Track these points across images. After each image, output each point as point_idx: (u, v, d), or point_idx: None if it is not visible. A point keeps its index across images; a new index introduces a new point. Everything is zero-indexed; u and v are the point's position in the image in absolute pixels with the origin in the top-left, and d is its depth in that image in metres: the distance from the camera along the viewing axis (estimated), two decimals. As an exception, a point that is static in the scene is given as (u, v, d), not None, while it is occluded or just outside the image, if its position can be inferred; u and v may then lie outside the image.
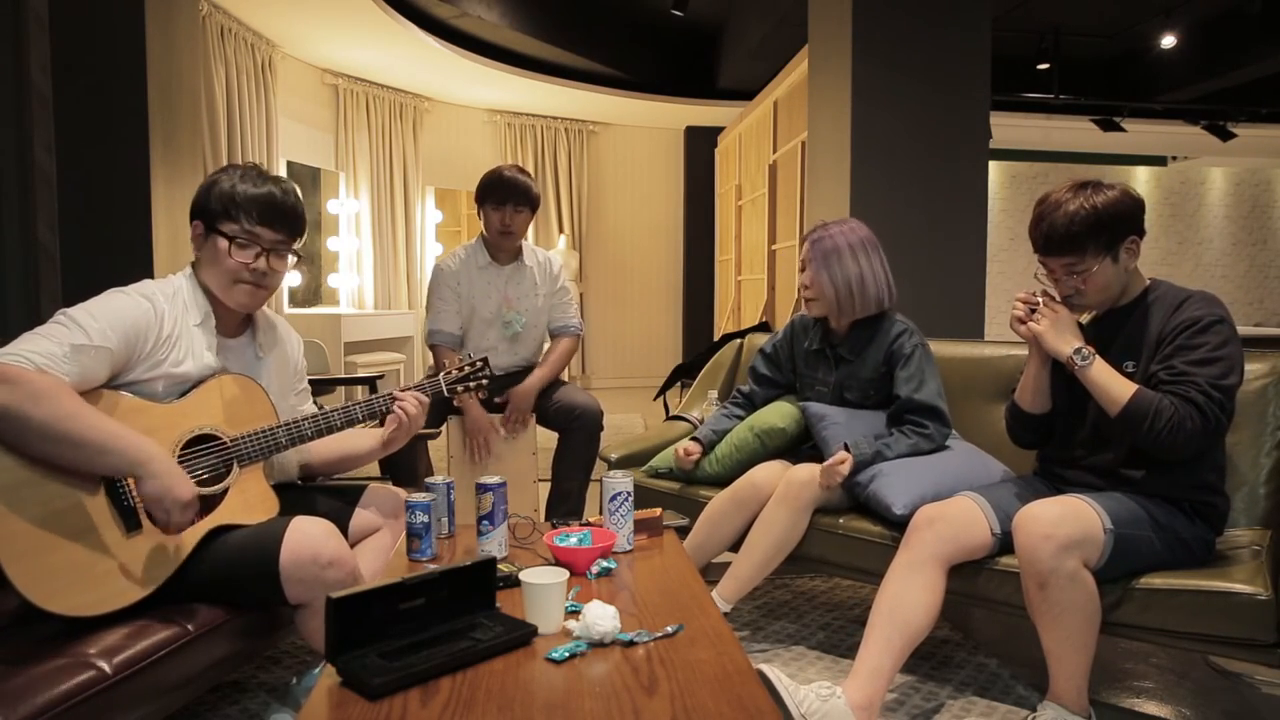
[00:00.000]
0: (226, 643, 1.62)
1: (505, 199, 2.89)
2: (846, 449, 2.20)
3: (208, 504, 1.64)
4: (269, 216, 1.74)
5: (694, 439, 2.58)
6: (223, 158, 5.20)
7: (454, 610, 1.39)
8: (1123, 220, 1.82)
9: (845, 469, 2.16)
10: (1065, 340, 1.85)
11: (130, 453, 1.48)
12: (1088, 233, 1.80)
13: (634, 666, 1.28)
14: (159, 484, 1.49)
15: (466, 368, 1.99)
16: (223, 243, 1.72)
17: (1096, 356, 1.82)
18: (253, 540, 1.62)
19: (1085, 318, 1.94)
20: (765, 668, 1.70)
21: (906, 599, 1.81)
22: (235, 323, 1.82)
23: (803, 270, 2.42)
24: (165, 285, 1.71)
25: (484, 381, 1.99)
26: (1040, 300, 1.91)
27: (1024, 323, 1.92)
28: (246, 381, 1.76)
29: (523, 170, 2.98)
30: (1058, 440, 2.03)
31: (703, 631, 1.41)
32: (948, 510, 1.92)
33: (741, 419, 2.56)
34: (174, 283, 1.73)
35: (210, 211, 1.72)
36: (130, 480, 1.53)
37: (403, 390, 1.89)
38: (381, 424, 1.97)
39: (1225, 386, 1.73)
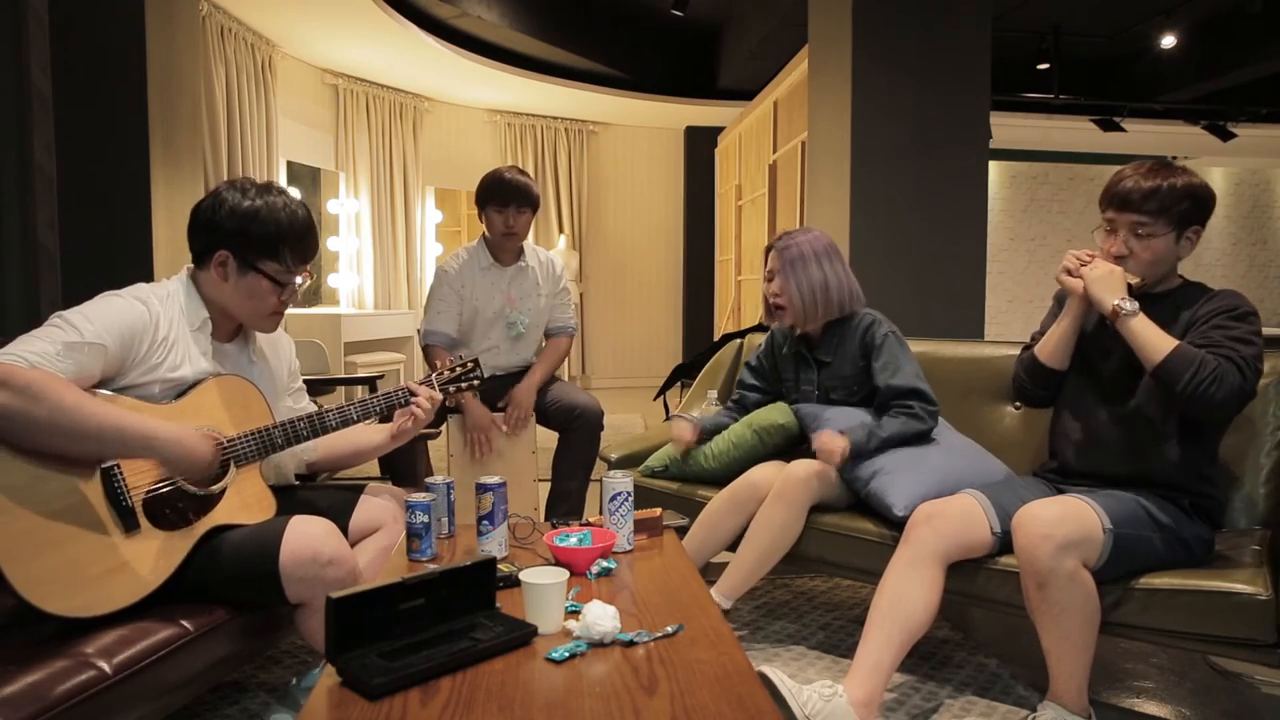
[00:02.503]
0: (226, 643, 1.62)
1: (508, 201, 2.89)
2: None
3: (205, 504, 1.64)
4: (308, 251, 1.78)
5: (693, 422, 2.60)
6: (223, 158, 5.20)
7: (454, 610, 1.39)
8: (1201, 203, 1.86)
9: (841, 444, 2.17)
10: (1112, 290, 1.85)
11: (138, 438, 1.50)
12: (1171, 198, 1.83)
13: (634, 666, 1.28)
14: (176, 462, 1.55)
15: (458, 368, 1.99)
16: (265, 282, 1.73)
17: (1140, 310, 1.82)
18: (252, 539, 1.62)
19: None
20: (767, 669, 1.70)
21: (906, 595, 1.81)
22: (230, 329, 1.82)
23: (770, 280, 2.45)
24: (160, 289, 1.71)
25: (475, 382, 2.00)
26: (1091, 260, 1.92)
27: (1071, 275, 1.92)
28: (241, 382, 1.76)
29: (523, 171, 2.98)
30: (1071, 424, 2.02)
31: (703, 631, 1.41)
32: (947, 507, 1.92)
33: (737, 419, 2.57)
34: (168, 287, 1.73)
35: (251, 246, 1.70)
36: (126, 479, 1.53)
37: (419, 384, 1.90)
38: (380, 421, 1.98)
39: (1258, 369, 1.76)
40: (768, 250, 2.48)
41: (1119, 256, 1.89)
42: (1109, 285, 1.85)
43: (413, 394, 1.88)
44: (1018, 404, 2.49)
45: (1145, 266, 1.88)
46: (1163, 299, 1.91)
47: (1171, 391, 1.76)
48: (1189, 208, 1.84)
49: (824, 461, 2.20)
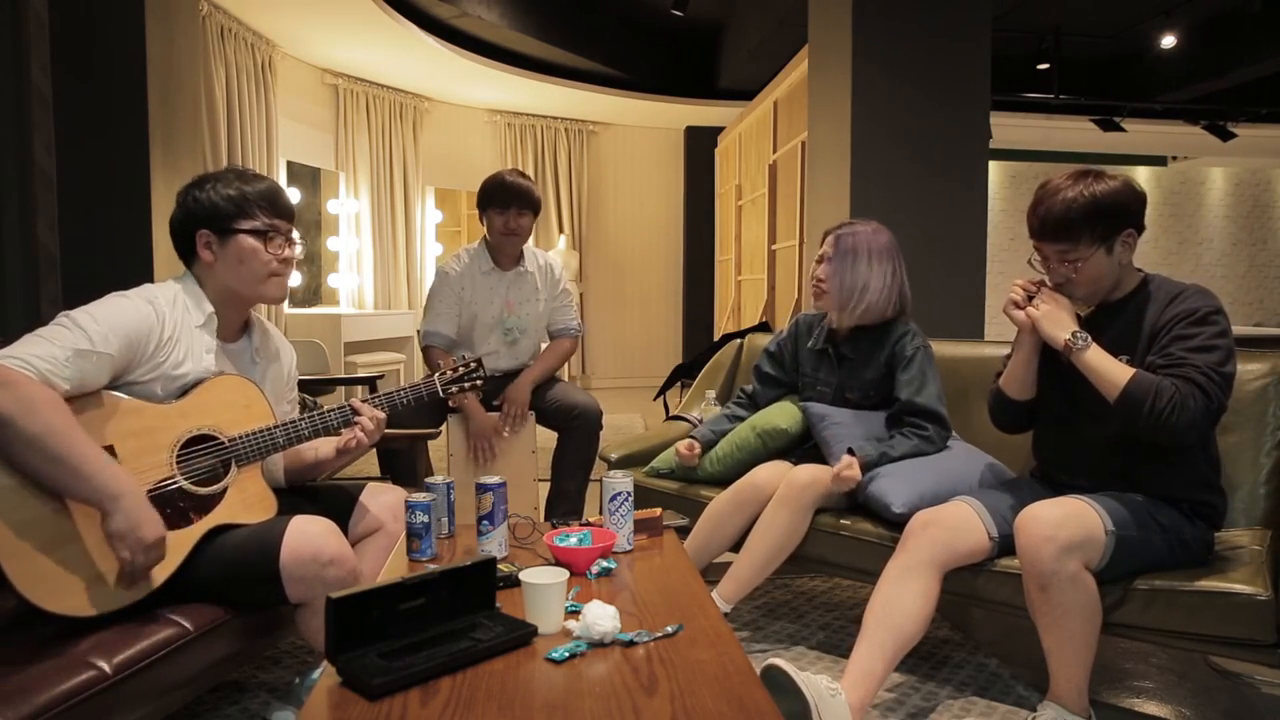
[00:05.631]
0: (226, 643, 1.62)
1: (509, 203, 2.90)
2: (851, 453, 2.20)
3: (206, 504, 1.64)
4: (280, 206, 1.79)
5: (691, 438, 2.59)
6: (223, 158, 5.20)
7: (454, 610, 1.39)
8: (1121, 212, 1.80)
9: (855, 473, 2.17)
10: (1061, 325, 1.83)
11: (106, 485, 1.45)
12: (1084, 220, 1.78)
13: (634, 666, 1.28)
14: (125, 522, 1.45)
15: (461, 368, 1.99)
16: (249, 240, 1.74)
17: (1092, 342, 1.80)
18: (253, 539, 1.62)
19: (1082, 311, 1.92)
20: (779, 660, 1.69)
21: (899, 604, 1.81)
22: (235, 327, 1.83)
23: (819, 263, 2.43)
24: (165, 289, 1.71)
25: (478, 382, 2.00)
26: (1038, 289, 1.90)
27: (1020, 308, 1.90)
28: (244, 382, 1.76)
29: (524, 175, 2.99)
30: (1056, 443, 2.02)
31: (703, 631, 1.41)
32: (943, 515, 1.91)
33: (742, 420, 2.56)
34: (172, 287, 1.73)
35: (222, 216, 1.73)
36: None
37: (365, 401, 1.85)
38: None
39: (1225, 373, 1.72)
40: (826, 233, 2.46)
41: (1059, 285, 1.87)
42: (1058, 321, 1.83)
43: (356, 413, 1.84)
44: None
45: (1087, 290, 1.87)
46: (1123, 306, 1.89)
47: (1134, 424, 1.74)
48: (1105, 224, 1.79)
49: (840, 489, 2.20)
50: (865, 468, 2.18)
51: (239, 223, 1.73)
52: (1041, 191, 1.85)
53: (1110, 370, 1.76)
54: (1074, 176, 1.83)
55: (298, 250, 1.83)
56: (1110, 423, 1.86)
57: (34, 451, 1.41)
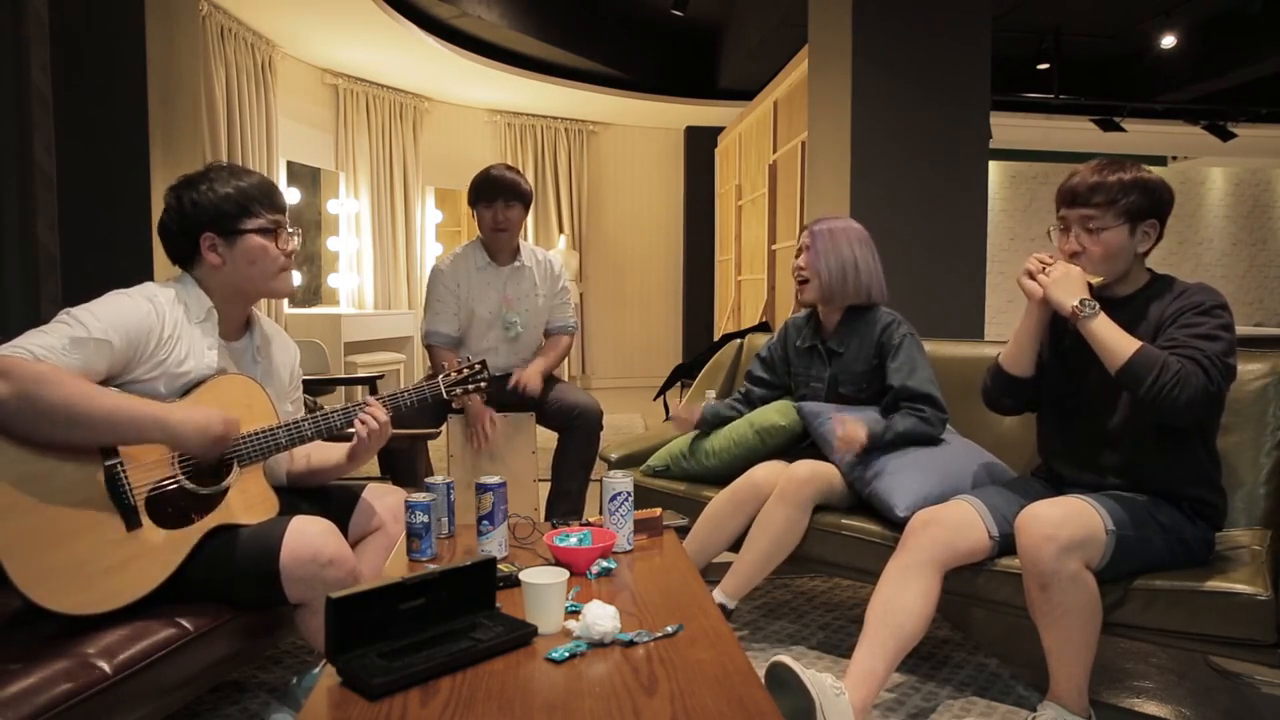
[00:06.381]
0: (226, 643, 1.62)
1: (495, 196, 2.90)
2: None
3: (208, 503, 1.64)
4: (276, 200, 1.79)
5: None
6: (223, 158, 5.20)
7: (454, 610, 1.39)
8: (1152, 196, 1.83)
9: (863, 434, 2.17)
10: (1071, 292, 1.82)
11: (146, 421, 1.52)
12: (1118, 190, 1.82)
13: (634, 666, 1.28)
14: (189, 438, 1.56)
15: (465, 370, 1.99)
16: (258, 239, 1.74)
17: (1101, 311, 1.79)
18: (253, 539, 1.62)
19: (1093, 280, 1.90)
20: (786, 658, 1.70)
21: (899, 604, 1.81)
22: (237, 325, 1.83)
23: (799, 254, 2.47)
24: (165, 289, 1.72)
25: (482, 384, 2.00)
26: (1054, 262, 1.89)
27: (1033, 278, 1.89)
28: (247, 382, 1.76)
29: (511, 168, 2.99)
30: (1060, 434, 2.02)
31: (703, 631, 1.41)
32: (943, 514, 1.91)
33: (741, 414, 2.57)
34: (171, 287, 1.73)
35: (226, 217, 1.72)
36: (129, 476, 1.53)
37: (375, 400, 1.85)
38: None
39: (1227, 363, 1.72)
40: (803, 229, 2.52)
41: (1073, 254, 1.88)
42: (1068, 287, 1.83)
43: (364, 407, 1.83)
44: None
45: (1100, 262, 1.86)
46: (1130, 300, 1.89)
47: (1134, 395, 1.74)
48: (1138, 200, 1.82)
49: (844, 450, 2.20)
50: (872, 435, 2.18)
51: (245, 222, 1.74)
52: (1077, 168, 1.89)
53: (1117, 340, 1.76)
54: (1112, 159, 1.87)
55: (296, 241, 1.84)
56: (1115, 413, 1.86)
57: (67, 424, 1.43)
